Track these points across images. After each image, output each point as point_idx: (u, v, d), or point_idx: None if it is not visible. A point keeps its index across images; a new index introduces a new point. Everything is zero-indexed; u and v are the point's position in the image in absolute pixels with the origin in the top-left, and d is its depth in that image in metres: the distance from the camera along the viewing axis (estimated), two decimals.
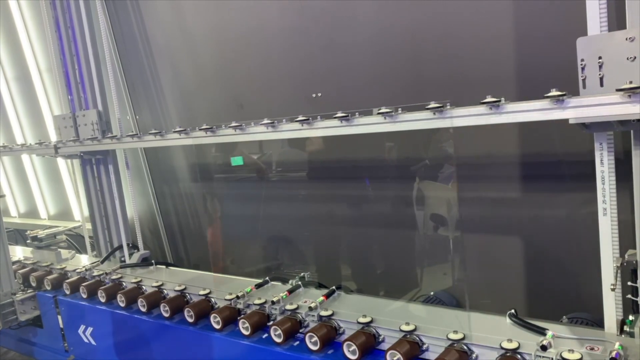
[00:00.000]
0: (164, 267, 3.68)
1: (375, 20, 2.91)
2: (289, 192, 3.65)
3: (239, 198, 3.95)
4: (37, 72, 5.15)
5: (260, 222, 3.89)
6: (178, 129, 2.96)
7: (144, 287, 3.28)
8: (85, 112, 3.82)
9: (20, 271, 3.98)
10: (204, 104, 3.89)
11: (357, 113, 2.25)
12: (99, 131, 3.70)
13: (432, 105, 1.97)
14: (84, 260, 4.06)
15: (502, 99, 1.85)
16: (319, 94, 3.17)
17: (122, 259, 3.88)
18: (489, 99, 1.85)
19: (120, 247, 3.92)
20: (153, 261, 3.67)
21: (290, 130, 2.49)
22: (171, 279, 3.29)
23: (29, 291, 3.80)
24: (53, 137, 5.14)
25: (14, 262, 4.02)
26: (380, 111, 2.11)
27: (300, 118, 2.38)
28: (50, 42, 4.01)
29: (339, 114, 2.23)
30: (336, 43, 3.07)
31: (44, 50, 4.94)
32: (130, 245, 3.93)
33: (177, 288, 3.07)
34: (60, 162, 5.38)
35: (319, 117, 2.38)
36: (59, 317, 3.65)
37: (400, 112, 2.11)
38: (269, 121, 2.52)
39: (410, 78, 2.87)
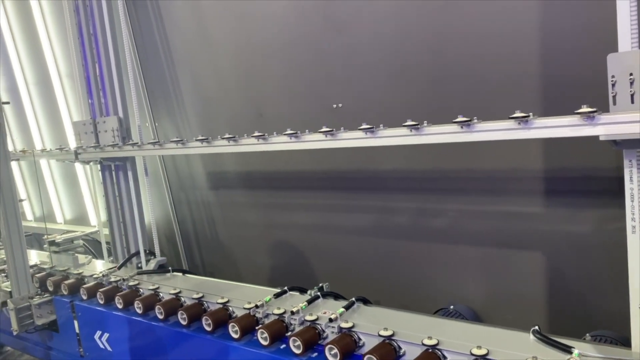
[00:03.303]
0: (180, 274, 3.68)
1: (398, 31, 2.91)
2: (306, 201, 3.65)
3: (257, 206, 3.96)
4: (57, 77, 5.20)
5: (277, 230, 3.89)
6: (200, 138, 2.97)
7: (161, 294, 3.27)
8: (106, 118, 3.85)
9: (38, 275, 4.01)
10: (223, 112, 3.91)
11: (381, 125, 2.26)
12: (119, 138, 3.73)
13: (460, 119, 1.97)
14: (101, 266, 4.08)
15: (531, 114, 1.84)
16: (340, 105, 3.17)
17: (139, 265, 3.89)
18: (518, 114, 1.84)
19: (137, 254, 3.93)
20: (170, 268, 3.67)
21: (313, 141, 2.49)
22: (188, 287, 3.29)
23: (45, 295, 3.82)
24: (71, 142, 5.19)
25: (31, 266, 4.04)
26: (406, 124, 2.11)
27: (324, 129, 2.38)
28: (73, 47, 4.05)
29: (364, 126, 2.23)
30: (358, 53, 3.08)
31: (65, 55, 4.99)
32: (147, 251, 3.94)
33: (195, 296, 3.07)
34: (78, 167, 5.42)
35: (342, 128, 2.39)
36: (75, 322, 3.66)
37: (425, 125, 2.11)
38: (292, 132, 2.52)
39: (433, 89, 2.86)
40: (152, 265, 3.80)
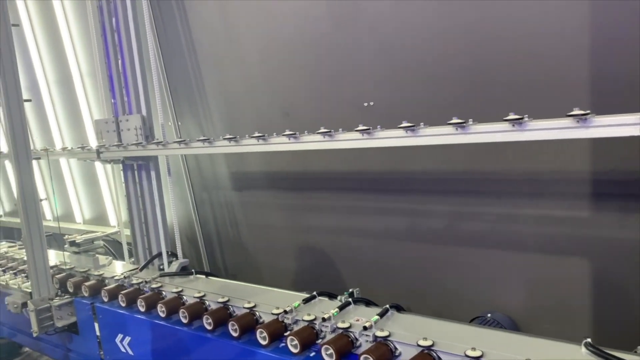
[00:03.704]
0: (203, 276, 3.59)
1: (435, 23, 2.79)
2: (333, 203, 3.53)
3: (282, 208, 3.86)
4: (78, 75, 5.14)
5: (303, 233, 3.78)
6: (228, 137, 2.88)
7: (184, 297, 3.19)
8: (129, 116, 3.77)
9: (58, 276, 3.94)
10: (248, 111, 3.81)
11: (421, 123, 2.14)
12: (142, 136, 3.65)
13: (511, 117, 1.85)
14: (122, 267, 4.00)
15: (589, 111, 1.72)
16: (371, 103, 3.06)
17: (161, 267, 3.81)
18: (576, 111, 1.72)
19: (159, 255, 3.85)
20: (193, 270, 3.58)
21: (347, 140, 2.38)
22: (213, 290, 3.20)
23: (66, 297, 3.75)
24: (92, 141, 5.13)
25: (51, 267, 3.97)
26: (452, 121, 1.99)
27: (360, 127, 2.26)
28: (95, 45, 3.99)
29: (404, 124, 2.11)
30: (392, 48, 2.95)
31: (87, 53, 4.93)
32: (169, 253, 3.86)
33: (220, 300, 2.97)
34: (98, 166, 5.36)
35: (378, 126, 2.27)
36: (96, 325, 3.59)
37: (471, 123, 1.99)
38: (325, 130, 2.41)
39: (471, 85, 2.73)
40: (174, 267, 3.71)
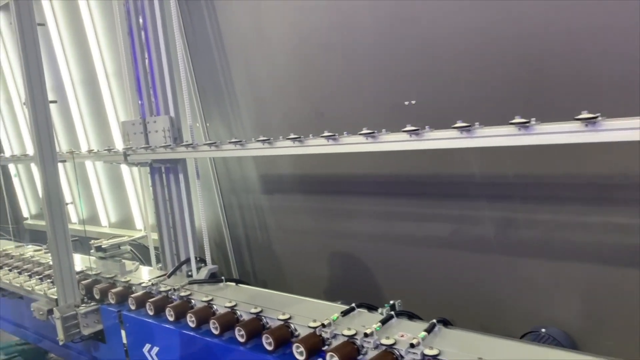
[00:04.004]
0: (233, 284, 3.45)
1: (483, 20, 2.59)
2: (373, 208, 3.35)
3: (315, 212, 3.69)
4: (104, 75, 5.05)
5: (337, 239, 3.61)
6: (261, 139, 2.72)
7: (215, 306, 3.05)
8: (157, 118, 3.65)
9: (84, 282, 3.83)
10: (280, 111, 3.65)
11: (476, 123, 1.95)
12: (170, 138, 3.52)
13: (584, 115, 1.65)
14: (149, 273, 3.88)
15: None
16: (413, 102, 2.87)
17: (189, 273, 3.67)
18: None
19: (187, 261, 3.72)
20: (223, 277, 3.44)
21: (393, 142, 2.20)
22: (244, 299, 3.05)
23: (92, 304, 3.64)
24: (117, 143, 5.04)
25: (77, 272, 3.87)
26: (514, 121, 1.80)
27: (408, 128, 2.08)
28: (122, 45, 3.88)
29: (459, 124, 1.93)
30: (436, 41, 2.76)
31: (113, 53, 4.83)
32: (198, 259, 3.72)
33: (253, 310, 2.82)
34: (123, 168, 5.26)
35: (427, 127, 2.09)
36: (123, 333, 3.47)
37: (534, 122, 1.80)
38: (368, 131, 2.24)
39: (526, 80, 2.52)
40: (203, 273, 3.57)
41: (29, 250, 5.25)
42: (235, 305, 2.94)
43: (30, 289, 4.05)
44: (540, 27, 2.43)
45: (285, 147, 2.65)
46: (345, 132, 2.40)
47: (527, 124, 1.79)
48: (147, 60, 3.72)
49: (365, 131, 2.25)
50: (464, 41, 2.66)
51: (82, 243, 4.91)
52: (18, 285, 4.19)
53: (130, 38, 3.78)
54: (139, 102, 3.81)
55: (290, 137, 2.58)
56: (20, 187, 7.33)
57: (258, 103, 3.78)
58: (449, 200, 2.92)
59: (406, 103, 2.88)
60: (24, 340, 5.07)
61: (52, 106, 3.63)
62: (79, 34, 5.13)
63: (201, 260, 3.75)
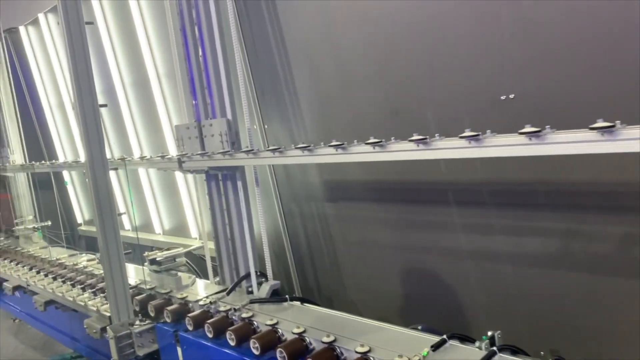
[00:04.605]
0: (298, 303, 3.12)
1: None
2: (454, 219, 2.94)
3: (386, 223, 3.31)
4: (155, 76, 4.80)
5: (413, 253, 3.22)
6: (333, 144, 2.37)
7: (280, 330, 2.73)
8: (212, 121, 3.35)
9: (138, 297, 3.59)
10: (346, 110, 3.28)
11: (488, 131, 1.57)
12: (228, 143, 3.22)
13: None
14: (205, 288, 3.61)
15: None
16: (511, 96, 2.45)
17: (249, 289, 3.36)
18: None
19: (247, 276, 3.41)
20: (287, 297, 3.12)
21: (501, 147, 1.80)
22: (312, 323, 2.73)
23: (147, 322, 3.39)
24: (171, 148, 4.79)
25: (131, 287, 3.62)
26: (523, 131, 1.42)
27: (527, 129, 1.68)
28: (175, 45, 3.61)
29: (601, 122, 1.51)
30: (536, 25, 2.33)
31: (164, 53, 4.58)
32: (258, 273, 3.41)
33: (325, 339, 2.49)
34: (178, 174, 5.00)
35: (547, 127, 1.69)
36: (180, 355, 3.20)
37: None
38: (471, 134, 1.84)
39: None
40: (265, 290, 3.26)
41: (83, 259, 5.09)
42: (304, 332, 2.62)
43: (83, 303, 3.85)
44: None
45: (361, 154, 2.29)
46: (437, 135, 2.01)
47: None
48: (201, 59, 3.43)
49: (467, 134, 1.86)
50: (574, 32, 2.23)
51: (135, 250, 4.70)
52: (71, 299, 4.01)
53: (183, 36, 3.50)
54: (193, 102, 3.53)
55: (369, 142, 2.21)
56: (74, 191, 7.24)
57: (322, 103, 3.42)
58: (556, 211, 2.47)
59: (502, 98, 2.47)
60: (79, 353, 4.91)
61: (102, 110, 3.39)
62: (130, 34, 4.91)
63: (262, 275, 3.44)
